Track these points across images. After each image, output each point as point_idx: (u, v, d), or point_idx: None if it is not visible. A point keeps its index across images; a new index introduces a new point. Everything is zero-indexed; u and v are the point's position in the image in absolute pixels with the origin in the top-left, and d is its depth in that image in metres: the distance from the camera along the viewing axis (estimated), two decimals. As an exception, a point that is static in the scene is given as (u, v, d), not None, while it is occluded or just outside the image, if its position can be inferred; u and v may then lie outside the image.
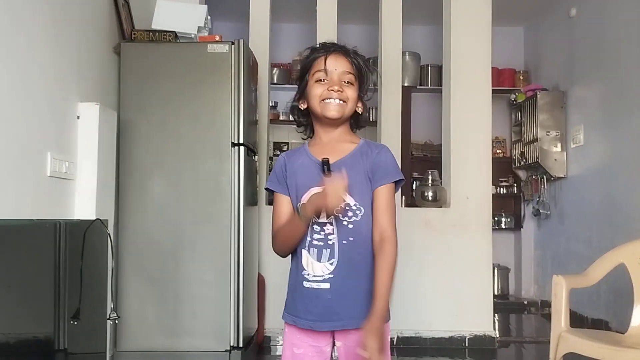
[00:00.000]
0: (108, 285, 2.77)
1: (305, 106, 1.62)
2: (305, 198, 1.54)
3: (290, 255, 1.63)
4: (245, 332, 3.15)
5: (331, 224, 1.53)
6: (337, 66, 1.56)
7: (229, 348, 3.04)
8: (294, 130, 6.40)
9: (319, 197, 1.47)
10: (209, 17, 3.37)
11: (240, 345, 3.06)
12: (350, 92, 1.57)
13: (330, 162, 1.53)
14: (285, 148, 6.21)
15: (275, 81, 5.72)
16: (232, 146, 3.11)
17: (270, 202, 4.11)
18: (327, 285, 1.52)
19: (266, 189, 1.68)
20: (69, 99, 2.64)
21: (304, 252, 1.55)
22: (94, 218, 2.59)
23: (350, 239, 1.53)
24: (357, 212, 1.53)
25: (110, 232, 2.71)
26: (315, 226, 1.53)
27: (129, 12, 3.32)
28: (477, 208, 4.09)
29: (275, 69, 5.74)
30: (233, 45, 3.13)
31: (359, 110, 1.62)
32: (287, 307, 1.62)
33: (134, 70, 3.15)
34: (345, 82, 1.57)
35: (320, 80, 1.57)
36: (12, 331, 1.97)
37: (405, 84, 5.66)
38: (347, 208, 1.52)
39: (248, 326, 3.25)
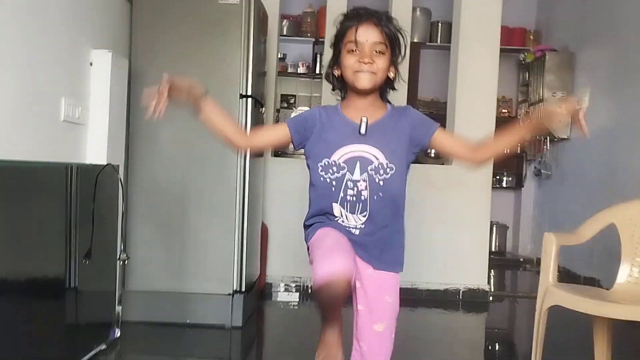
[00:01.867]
0: (118, 227, 2.89)
1: (339, 73, 1.68)
2: (337, 154, 1.62)
3: (312, 208, 1.70)
4: (248, 278, 3.28)
5: (365, 180, 1.61)
6: (368, 37, 1.60)
7: (231, 292, 3.18)
8: (302, 83, 6.44)
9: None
10: (220, -32, 3.37)
11: (243, 289, 3.20)
12: (381, 62, 1.62)
13: (368, 123, 1.63)
14: (292, 101, 6.25)
15: (284, 33, 5.72)
16: (240, 97, 3.17)
17: (276, 154, 4.23)
18: (357, 232, 1.64)
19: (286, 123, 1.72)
20: (82, 46, 2.70)
21: (336, 205, 1.63)
22: (106, 163, 2.69)
23: (380, 194, 1.62)
24: (388, 170, 1.63)
25: (120, 177, 2.82)
26: (349, 182, 1.62)
27: (141, -41, 3.33)
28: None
29: (285, 20, 5.73)
30: (244, -2, 3.15)
31: (391, 75, 1.68)
32: (322, 224, 1.66)
33: (145, 20, 3.19)
34: (376, 51, 1.62)
35: (352, 50, 1.62)
36: (25, 269, 2.07)
37: (415, 40, 5.67)
38: (379, 166, 1.61)
39: (250, 272, 3.39)
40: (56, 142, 2.50)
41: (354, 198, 1.63)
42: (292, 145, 1.72)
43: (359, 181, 1.62)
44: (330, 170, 1.63)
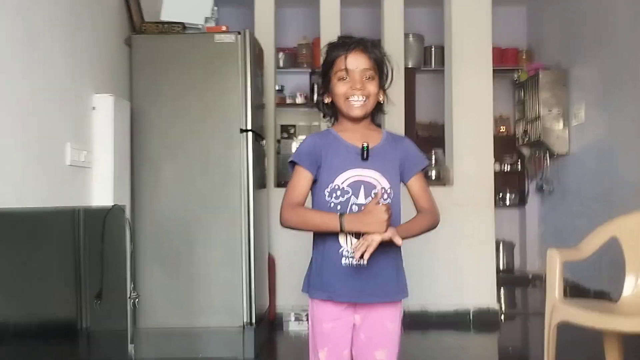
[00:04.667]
0: (127, 267, 2.92)
1: (330, 100, 1.73)
2: (340, 179, 1.65)
3: (313, 238, 1.73)
4: (258, 310, 3.30)
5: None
6: (357, 64, 1.66)
7: (242, 325, 3.20)
8: (301, 114, 6.48)
9: (364, 214, 1.57)
10: (215, 8, 3.47)
11: (253, 322, 3.22)
12: (372, 87, 1.67)
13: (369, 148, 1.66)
14: (292, 131, 6.32)
15: (281, 65, 5.81)
16: (240, 132, 3.23)
17: (279, 184, 4.27)
18: (362, 261, 1.63)
19: (291, 161, 1.72)
20: (84, 91, 2.78)
21: (341, 233, 1.64)
22: (112, 204, 2.74)
23: None
24: (391, 194, 1.67)
25: (127, 217, 2.86)
26: (353, 207, 1.64)
27: (138, 4, 3.43)
28: (480, 186, 4.19)
29: (280, 53, 5.83)
30: (239, 35, 3.24)
31: (381, 99, 1.72)
32: (320, 285, 1.69)
33: (144, 61, 3.27)
34: (366, 78, 1.67)
35: (343, 78, 1.67)
36: (38, 313, 2.10)
37: (410, 66, 5.75)
38: (383, 191, 1.65)
39: (260, 304, 3.41)
40: (63, 187, 2.55)
41: None
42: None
43: (363, 205, 1.64)
44: (335, 195, 1.66)
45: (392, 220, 1.66)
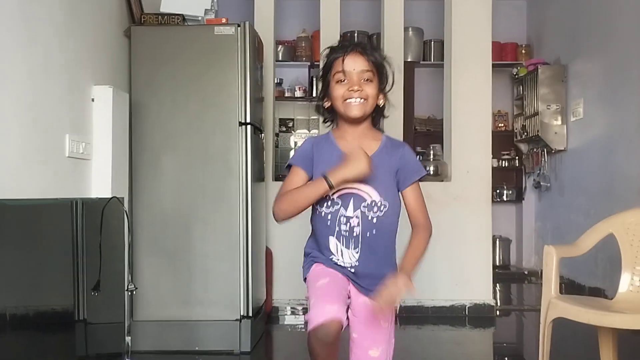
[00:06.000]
0: (125, 258, 2.93)
1: (329, 104, 1.73)
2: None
3: (312, 237, 1.75)
4: (255, 302, 3.31)
5: (357, 217, 1.64)
6: (355, 66, 1.65)
7: (239, 317, 3.21)
8: (299, 107, 6.50)
9: (346, 163, 1.58)
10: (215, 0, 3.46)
11: (250, 314, 3.23)
12: (370, 90, 1.67)
13: None
14: (290, 124, 6.32)
15: (280, 58, 5.81)
16: (239, 125, 3.23)
17: (277, 177, 4.28)
18: (352, 270, 1.68)
19: (288, 165, 1.73)
20: (84, 83, 2.77)
21: (332, 239, 1.67)
22: (111, 196, 2.74)
23: (374, 231, 1.66)
24: (382, 207, 1.66)
25: (126, 209, 2.86)
26: (342, 218, 1.65)
27: (138, -5, 3.41)
28: (478, 182, 4.21)
29: (280, 46, 5.82)
30: (239, 28, 3.23)
31: (380, 103, 1.72)
32: (315, 259, 1.71)
33: (144, 53, 3.26)
34: (364, 80, 1.66)
35: (341, 80, 1.66)
36: (35, 304, 2.10)
37: (409, 59, 5.75)
38: (373, 204, 1.64)
39: (257, 297, 3.42)
40: (62, 178, 2.55)
41: (347, 233, 1.66)
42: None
43: (352, 217, 1.65)
44: (326, 204, 1.66)
45: (383, 233, 1.67)
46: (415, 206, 1.74)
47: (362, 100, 1.66)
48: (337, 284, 1.63)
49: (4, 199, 2.03)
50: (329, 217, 1.66)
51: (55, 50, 2.51)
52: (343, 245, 1.66)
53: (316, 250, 1.72)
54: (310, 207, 1.71)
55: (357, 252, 1.66)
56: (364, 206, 1.64)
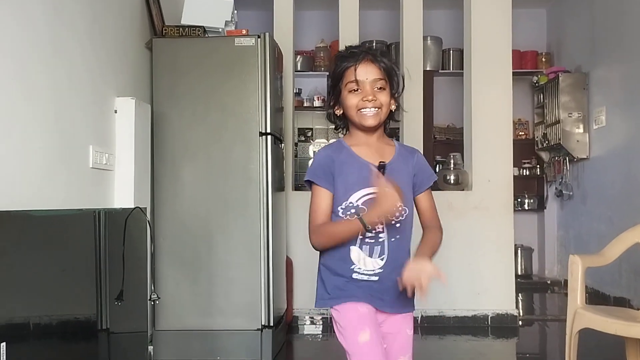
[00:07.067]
0: (148, 268, 2.95)
1: (341, 112, 1.71)
2: (355, 197, 1.63)
3: (319, 257, 1.73)
4: (275, 312, 3.31)
5: (382, 223, 1.62)
6: (367, 75, 1.63)
7: (260, 327, 3.21)
8: (318, 117, 6.50)
9: (377, 204, 1.55)
10: (235, 11, 3.49)
11: (271, 324, 3.22)
12: (383, 98, 1.65)
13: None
14: (309, 134, 6.34)
15: (299, 68, 5.84)
16: (259, 135, 3.25)
17: (297, 187, 4.28)
18: (376, 278, 1.65)
19: (307, 181, 1.70)
20: (107, 95, 2.81)
21: (354, 248, 1.64)
22: (133, 206, 2.76)
23: (397, 236, 1.65)
24: (403, 212, 1.65)
25: (148, 219, 2.88)
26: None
27: (160, 8, 3.46)
28: (499, 190, 4.17)
29: (299, 56, 5.85)
30: (259, 39, 3.25)
31: (392, 107, 1.70)
32: (341, 293, 1.66)
33: (165, 65, 3.30)
34: (377, 88, 1.64)
35: (354, 90, 1.64)
36: (59, 313, 2.12)
37: (428, 68, 5.74)
38: (396, 209, 1.62)
39: (278, 306, 3.41)
40: (86, 189, 2.58)
41: (373, 240, 1.64)
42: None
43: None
44: (349, 213, 1.64)
45: (405, 236, 1.67)
46: (429, 210, 1.74)
47: (377, 109, 1.64)
48: (379, 337, 1.63)
49: (29, 210, 2.06)
50: None
51: (79, 63, 2.55)
52: (367, 254, 1.64)
53: (338, 276, 1.68)
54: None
55: (382, 260, 1.65)
56: (393, 215, 1.63)
